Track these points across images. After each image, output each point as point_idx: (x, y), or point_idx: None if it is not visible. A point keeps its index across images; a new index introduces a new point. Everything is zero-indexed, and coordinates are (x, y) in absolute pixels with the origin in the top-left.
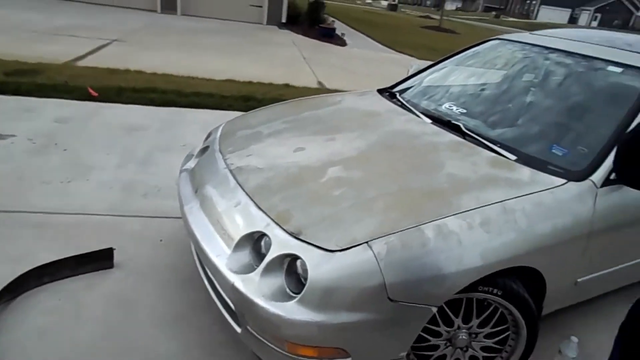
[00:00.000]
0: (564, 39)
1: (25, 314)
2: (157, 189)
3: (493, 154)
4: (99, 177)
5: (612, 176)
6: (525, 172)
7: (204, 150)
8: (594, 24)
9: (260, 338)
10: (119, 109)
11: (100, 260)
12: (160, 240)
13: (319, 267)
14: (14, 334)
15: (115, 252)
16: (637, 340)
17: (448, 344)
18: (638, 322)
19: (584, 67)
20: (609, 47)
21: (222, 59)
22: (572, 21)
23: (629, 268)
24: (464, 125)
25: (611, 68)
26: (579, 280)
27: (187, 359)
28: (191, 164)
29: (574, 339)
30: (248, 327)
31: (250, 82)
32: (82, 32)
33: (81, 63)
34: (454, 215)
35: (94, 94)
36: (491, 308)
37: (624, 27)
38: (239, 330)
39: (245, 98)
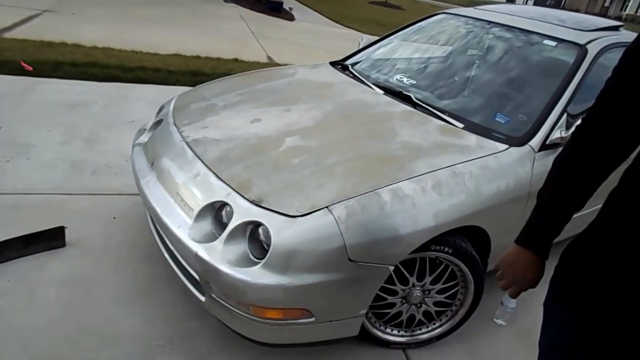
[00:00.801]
0: (505, 14)
1: None
2: (107, 166)
3: (442, 123)
4: (42, 156)
5: (548, 141)
6: (472, 138)
7: (157, 123)
8: (530, 3)
9: (225, 304)
10: (57, 84)
11: (50, 239)
12: (114, 218)
13: (281, 232)
14: None
15: (66, 230)
16: (569, 279)
17: (404, 301)
18: (570, 261)
19: (522, 40)
20: (544, 22)
21: (167, 32)
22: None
23: None
24: (414, 95)
25: (546, 42)
26: None
27: (151, 333)
28: (144, 138)
29: None
30: (212, 295)
31: (197, 57)
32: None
33: (8, 35)
34: (408, 179)
35: (28, 67)
36: (442, 265)
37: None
38: (203, 299)
39: (193, 73)
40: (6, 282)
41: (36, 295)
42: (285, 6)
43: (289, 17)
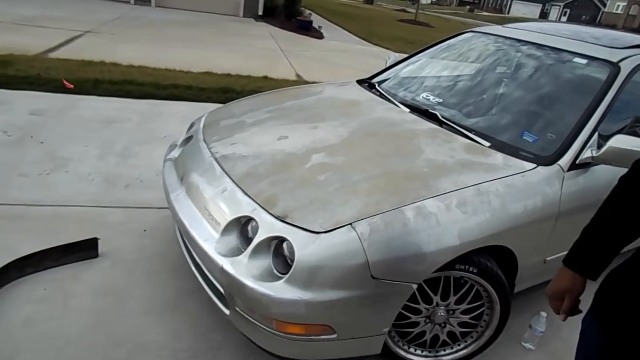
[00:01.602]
0: (534, 32)
1: (11, 304)
2: (139, 180)
3: (468, 141)
4: (79, 169)
5: (578, 161)
6: (499, 157)
7: (188, 140)
8: (564, 19)
9: (249, 318)
10: (95, 101)
11: (84, 250)
12: (144, 231)
13: (305, 248)
14: (0, 322)
15: (99, 242)
16: (607, 302)
17: (427, 320)
18: (609, 287)
19: (553, 58)
20: (576, 40)
21: (199, 51)
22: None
23: None
24: (440, 114)
25: (577, 60)
26: (548, 258)
27: (177, 345)
28: (175, 153)
29: (543, 314)
30: (236, 309)
31: (228, 74)
32: (52, 23)
33: (53, 55)
34: (432, 197)
35: (69, 85)
36: (467, 285)
37: (592, 22)
38: (227, 312)
39: (223, 90)
40: (43, 290)
41: (70, 304)
42: (315, 25)
43: (318, 35)
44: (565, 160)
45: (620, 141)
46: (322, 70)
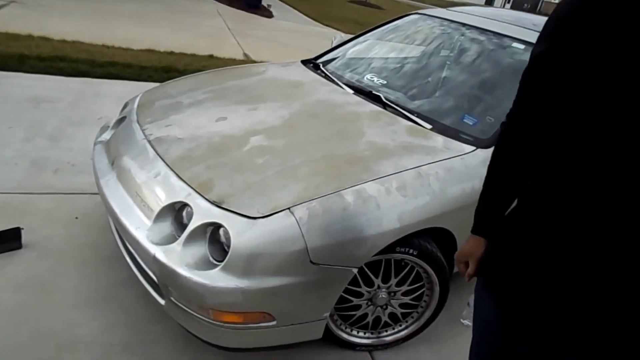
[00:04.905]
0: (478, 16)
1: None
2: (71, 165)
3: (410, 123)
4: (1, 153)
5: None
6: (439, 140)
7: (121, 121)
8: (508, 6)
9: (185, 308)
10: (22, 78)
11: (5, 241)
12: (76, 218)
13: (241, 234)
14: None
15: (24, 231)
16: (490, 269)
17: (369, 303)
18: (490, 251)
19: (494, 43)
20: (517, 25)
21: (141, 28)
22: (489, 2)
23: None
24: (384, 96)
25: (516, 45)
26: None
27: (111, 338)
28: (106, 135)
29: None
30: (172, 299)
31: (171, 53)
32: None
33: None
34: (373, 180)
35: None
36: (408, 267)
37: (533, 11)
38: (162, 302)
39: (166, 69)
40: None
41: None
42: (264, 3)
43: (267, 14)
44: None
45: None
46: (271, 50)
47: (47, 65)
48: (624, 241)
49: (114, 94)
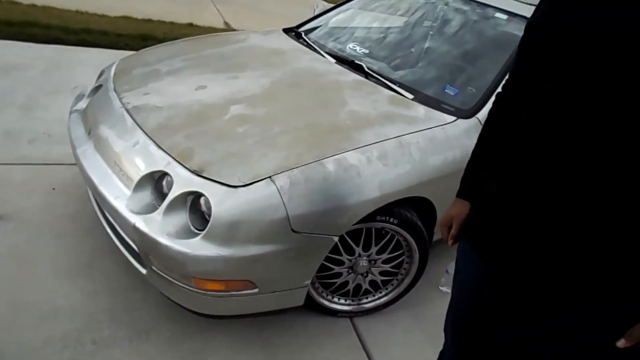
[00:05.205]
0: None
1: None
2: (47, 135)
3: (392, 93)
4: None
5: None
6: (421, 109)
7: (97, 89)
8: None
9: (167, 277)
10: None
11: None
12: (53, 189)
13: (222, 203)
14: None
15: None
16: (473, 224)
17: (350, 271)
18: (475, 209)
19: (477, 14)
20: None
21: None
22: None
23: None
24: (366, 65)
25: (498, 15)
26: None
27: (93, 308)
28: (82, 104)
29: None
30: (153, 268)
31: (149, 20)
32: None
33: None
34: (354, 149)
35: None
36: (388, 236)
37: None
38: (143, 271)
39: (143, 37)
40: None
41: None
42: None
43: None
44: (483, 113)
45: None
46: (254, 18)
47: (16, 31)
48: (612, 218)
49: (89, 62)
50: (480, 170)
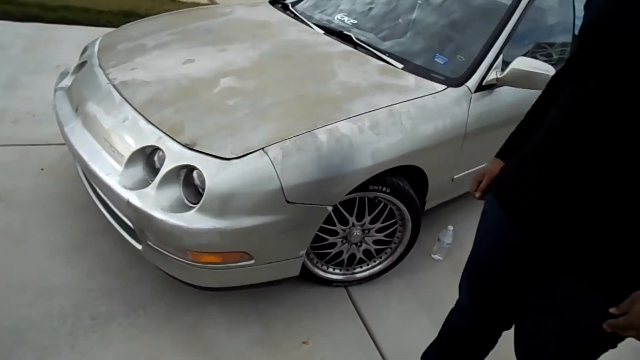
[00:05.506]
0: None
1: None
2: (31, 115)
3: (382, 63)
4: None
5: (484, 82)
6: (411, 79)
7: (81, 66)
8: None
9: (162, 251)
10: None
11: None
12: (42, 169)
13: (215, 175)
14: None
15: None
16: (505, 185)
17: (344, 241)
18: (508, 169)
19: None
20: None
21: None
22: None
23: None
24: (355, 35)
25: None
26: (455, 177)
27: (90, 285)
28: (67, 81)
29: (450, 227)
30: (149, 243)
31: None
32: None
33: None
34: (345, 119)
35: None
36: (381, 205)
37: None
38: (139, 247)
39: (126, 13)
40: None
41: None
42: None
43: None
44: (473, 81)
45: (521, 63)
46: None
47: None
48: (617, 206)
49: (71, 40)
50: (520, 133)
